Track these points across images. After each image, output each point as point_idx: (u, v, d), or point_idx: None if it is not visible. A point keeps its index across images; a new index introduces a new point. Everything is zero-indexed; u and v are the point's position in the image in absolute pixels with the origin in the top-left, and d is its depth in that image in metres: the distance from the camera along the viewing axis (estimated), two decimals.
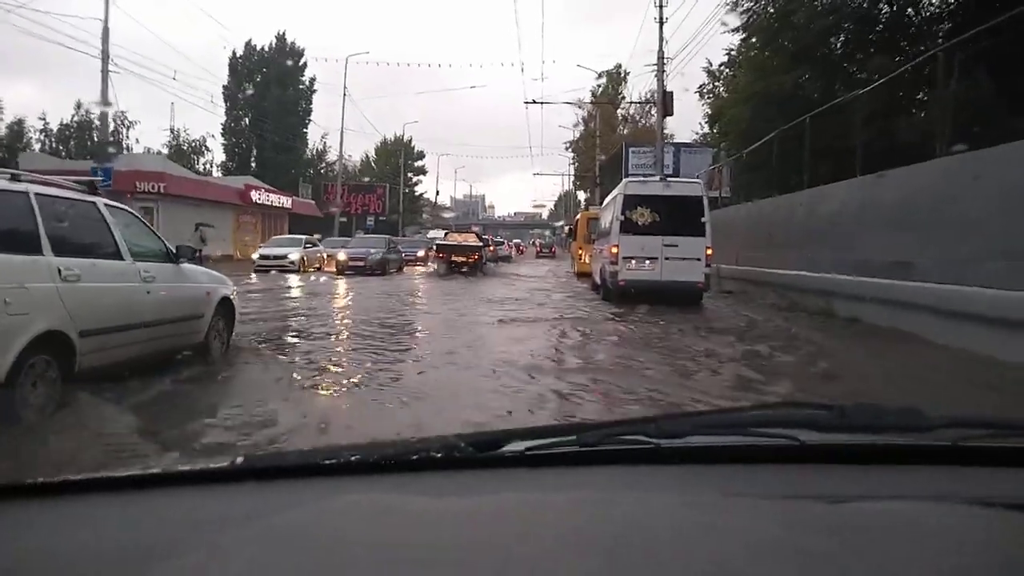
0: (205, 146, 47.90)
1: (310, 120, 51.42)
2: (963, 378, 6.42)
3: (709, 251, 13.29)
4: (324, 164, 53.54)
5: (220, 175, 44.24)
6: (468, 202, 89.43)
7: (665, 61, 24.44)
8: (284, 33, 50.57)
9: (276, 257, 24.79)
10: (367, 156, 63.90)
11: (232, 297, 7.19)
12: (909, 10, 17.05)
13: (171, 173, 31.27)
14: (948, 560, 0.73)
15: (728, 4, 20.50)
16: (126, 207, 6.11)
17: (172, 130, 46.45)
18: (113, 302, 5.23)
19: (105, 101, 19.75)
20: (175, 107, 47.38)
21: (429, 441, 1.14)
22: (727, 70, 30.10)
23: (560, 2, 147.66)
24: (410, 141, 61.95)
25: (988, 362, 6.82)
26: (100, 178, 15.85)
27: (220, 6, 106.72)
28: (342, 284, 19.39)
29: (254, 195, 36.78)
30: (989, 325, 7.21)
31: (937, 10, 16.61)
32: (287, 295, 15.83)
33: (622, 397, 5.64)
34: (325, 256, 27.09)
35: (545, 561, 0.72)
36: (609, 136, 46.85)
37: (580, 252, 25.72)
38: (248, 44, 49.11)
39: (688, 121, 57.87)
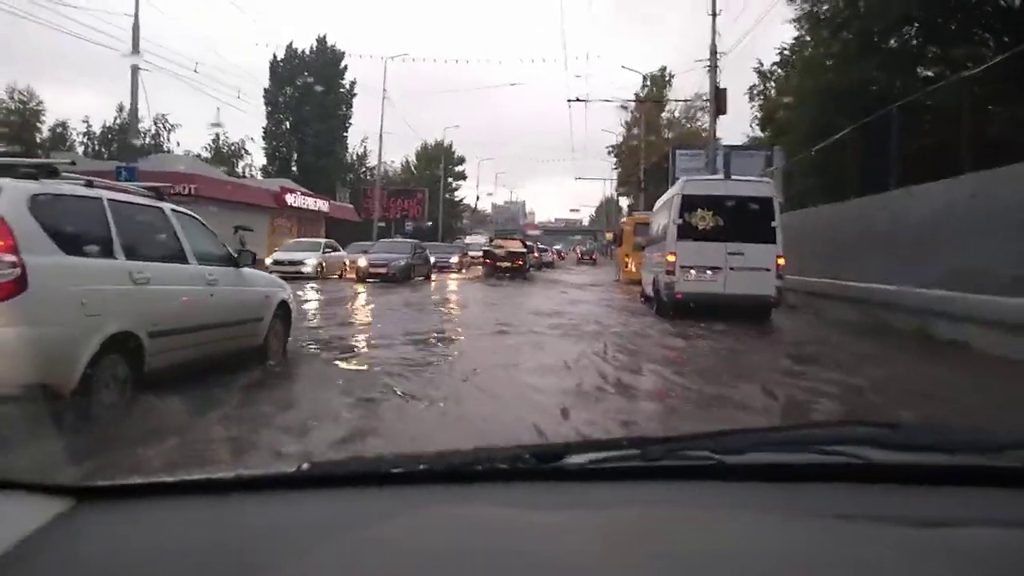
0: (244, 149, 47.84)
1: (350, 124, 51.08)
2: None
3: (781, 260, 11.60)
4: (364, 168, 53.06)
5: (261, 178, 43.89)
6: (510, 208, 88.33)
7: (718, 56, 22.88)
8: (324, 36, 50.48)
9: (291, 263, 22.13)
10: (407, 160, 63.56)
11: (289, 300, 7.36)
12: None
13: (202, 175, 30.39)
14: None
15: None
16: (190, 212, 6.22)
17: (217, 135, 46.40)
18: (180, 304, 5.43)
19: (134, 99, 19.13)
20: (220, 112, 47.43)
21: (493, 451, 1.16)
22: (779, 70, 28.68)
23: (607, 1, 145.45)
24: (451, 146, 61.39)
25: None
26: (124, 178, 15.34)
27: (262, 8, 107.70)
28: (363, 294, 17.70)
29: (289, 198, 35.98)
30: None
31: None
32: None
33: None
34: (347, 262, 24.96)
35: None
36: (653, 141, 45.33)
37: (627, 259, 24.45)
38: (289, 47, 49.11)
39: (737, 125, 55.75)
